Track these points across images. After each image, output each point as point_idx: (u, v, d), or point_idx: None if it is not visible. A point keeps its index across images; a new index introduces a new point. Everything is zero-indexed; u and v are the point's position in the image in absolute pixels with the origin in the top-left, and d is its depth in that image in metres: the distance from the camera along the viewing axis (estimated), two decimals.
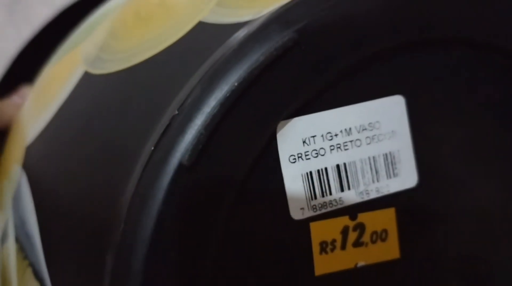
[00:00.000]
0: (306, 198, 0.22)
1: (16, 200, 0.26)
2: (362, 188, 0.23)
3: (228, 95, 0.20)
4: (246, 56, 0.21)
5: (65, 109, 0.26)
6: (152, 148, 0.20)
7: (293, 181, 0.22)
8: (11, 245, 0.26)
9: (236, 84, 0.20)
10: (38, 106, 0.28)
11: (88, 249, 0.22)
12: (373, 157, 0.23)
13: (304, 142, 0.22)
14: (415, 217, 0.24)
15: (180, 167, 0.20)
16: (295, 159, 0.22)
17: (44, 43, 0.45)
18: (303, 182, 0.22)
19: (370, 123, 0.23)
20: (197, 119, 0.20)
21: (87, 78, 0.25)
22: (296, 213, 0.22)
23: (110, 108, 0.24)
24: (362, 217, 0.23)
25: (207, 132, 0.20)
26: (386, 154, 0.23)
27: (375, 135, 0.23)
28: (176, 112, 0.20)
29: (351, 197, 0.23)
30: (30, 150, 0.27)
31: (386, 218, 0.23)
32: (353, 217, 0.23)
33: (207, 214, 0.20)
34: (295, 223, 0.22)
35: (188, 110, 0.20)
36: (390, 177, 0.23)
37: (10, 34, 0.62)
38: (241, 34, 0.21)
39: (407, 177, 0.23)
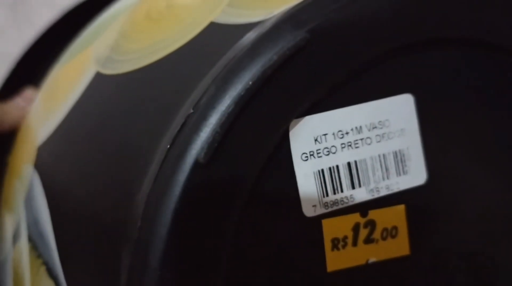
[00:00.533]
0: (318, 196, 0.22)
1: (29, 200, 0.26)
2: (372, 185, 0.23)
3: (242, 93, 0.21)
4: (259, 55, 0.21)
5: (77, 109, 0.26)
6: (168, 146, 0.21)
7: (305, 178, 0.22)
8: (23, 245, 0.26)
9: (250, 83, 0.21)
10: (48, 107, 0.28)
11: (104, 246, 0.22)
12: (383, 155, 0.23)
13: (316, 140, 0.22)
14: (425, 214, 0.24)
15: (196, 164, 0.20)
16: (307, 157, 0.22)
17: (47, 45, 0.45)
18: (315, 179, 0.22)
19: (380, 121, 0.23)
20: (212, 118, 0.20)
21: (99, 79, 0.26)
22: (309, 210, 0.22)
23: (124, 107, 0.24)
24: (373, 214, 0.23)
25: (222, 130, 0.20)
26: (395, 152, 0.23)
27: (385, 133, 0.23)
28: (192, 110, 0.21)
29: (362, 194, 0.23)
30: (42, 151, 0.27)
31: (396, 215, 0.24)
32: (364, 214, 0.23)
33: (222, 210, 0.21)
34: (307, 220, 0.22)
35: (203, 108, 0.21)
36: (400, 175, 0.24)
37: (12, 35, 0.62)
38: (254, 34, 0.22)
39: (416, 174, 0.24)
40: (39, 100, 0.30)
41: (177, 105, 0.22)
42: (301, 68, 0.21)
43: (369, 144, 0.23)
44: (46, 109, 0.28)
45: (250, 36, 0.22)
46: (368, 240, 0.23)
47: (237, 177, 0.21)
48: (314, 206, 0.22)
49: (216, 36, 0.24)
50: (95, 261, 0.23)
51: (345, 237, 0.23)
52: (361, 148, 0.23)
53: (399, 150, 0.23)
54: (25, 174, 0.27)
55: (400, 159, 0.23)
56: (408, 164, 0.24)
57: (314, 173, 0.22)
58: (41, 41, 0.46)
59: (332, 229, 0.23)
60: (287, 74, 0.21)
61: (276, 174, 0.22)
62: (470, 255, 0.25)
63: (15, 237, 0.27)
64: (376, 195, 0.23)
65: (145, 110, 0.23)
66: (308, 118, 0.22)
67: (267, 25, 0.22)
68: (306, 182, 0.22)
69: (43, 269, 0.25)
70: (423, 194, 0.24)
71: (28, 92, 0.40)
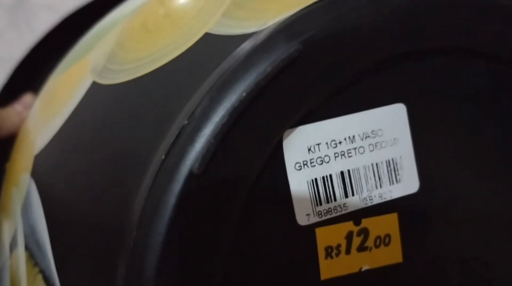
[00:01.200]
0: (312, 204, 0.23)
1: (26, 208, 0.27)
2: (365, 194, 0.23)
3: (236, 105, 0.21)
4: (253, 66, 0.21)
5: (74, 119, 0.26)
6: (163, 156, 0.21)
7: (299, 187, 0.23)
8: (21, 253, 0.27)
9: (244, 94, 0.21)
10: (46, 115, 0.29)
11: (99, 255, 0.23)
12: (376, 164, 0.24)
13: (309, 149, 0.23)
14: (417, 221, 0.24)
15: (191, 175, 0.21)
16: (300, 166, 0.23)
17: (46, 50, 0.46)
18: (308, 188, 0.23)
19: (373, 131, 0.23)
20: (206, 129, 0.21)
21: (96, 88, 0.26)
22: (302, 219, 0.23)
23: (119, 118, 0.24)
24: (366, 222, 0.24)
25: (216, 141, 0.21)
26: (388, 161, 0.24)
27: (377, 142, 0.24)
28: (186, 121, 0.21)
29: (355, 202, 0.23)
30: (39, 159, 0.27)
31: (389, 223, 0.24)
32: (357, 222, 0.23)
33: (216, 220, 0.21)
34: (301, 228, 0.23)
35: (197, 119, 0.21)
36: (393, 183, 0.24)
37: (12, 39, 0.63)
38: (248, 45, 0.22)
39: (409, 183, 0.24)
40: (37, 108, 0.31)
41: (172, 115, 0.22)
42: (294, 78, 0.22)
43: (362, 153, 0.23)
44: (43, 118, 0.29)
45: (245, 47, 0.22)
46: (362, 248, 0.24)
47: (231, 187, 0.21)
48: (308, 214, 0.23)
49: (211, 46, 0.24)
50: (91, 270, 0.23)
51: (339, 245, 0.23)
52: (354, 157, 0.23)
53: (392, 159, 0.24)
54: (22, 183, 0.28)
55: (393, 167, 0.24)
56: (401, 173, 0.24)
57: (307, 182, 0.23)
58: (40, 47, 0.47)
59: (325, 237, 0.23)
60: (281, 85, 0.21)
61: (270, 184, 0.22)
62: (464, 262, 0.25)
63: (12, 244, 0.28)
64: (369, 204, 0.24)
65: (141, 120, 0.23)
66: (301, 128, 0.22)
67: (261, 36, 0.22)
68: (300, 191, 0.23)
69: (39, 277, 0.25)
70: (416, 202, 0.24)
71: (26, 98, 0.40)
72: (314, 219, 0.23)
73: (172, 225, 0.21)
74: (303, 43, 0.22)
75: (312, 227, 0.23)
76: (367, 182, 0.23)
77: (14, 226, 0.28)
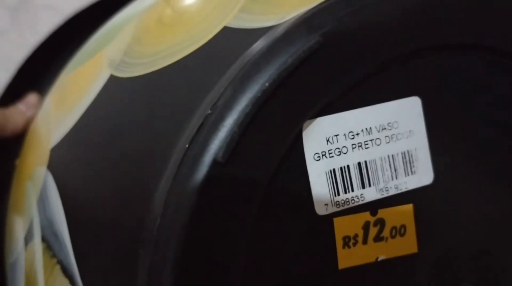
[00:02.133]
0: (330, 195, 0.23)
1: (42, 201, 0.27)
2: (382, 185, 0.24)
3: (259, 95, 0.21)
4: (275, 58, 0.22)
5: (91, 112, 0.26)
6: (187, 145, 0.21)
7: (318, 178, 0.23)
8: (37, 245, 0.27)
9: (266, 84, 0.21)
10: (60, 111, 0.29)
11: (121, 245, 0.23)
12: (392, 156, 0.24)
13: (328, 140, 0.23)
14: (432, 213, 0.25)
15: (215, 163, 0.21)
16: (319, 157, 0.23)
17: (50, 51, 0.46)
18: (327, 179, 0.23)
19: (389, 123, 0.24)
20: (230, 118, 0.21)
21: (113, 81, 0.26)
22: (321, 209, 0.23)
23: (139, 109, 0.24)
24: (382, 213, 0.24)
25: (239, 130, 0.21)
26: (404, 153, 0.24)
27: (393, 134, 0.24)
28: (209, 111, 0.21)
29: (371, 193, 0.24)
30: (55, 152, 0.27)
31: (405, 214, 0.24)
32: (373, 213, 0.24)
33: (239, 208, 0.21)
34: (319, 218, 0.23)
35: (221, 109, 0.21)
36: (408, 175, 0.24)
37: (14, 38, 0.63)
38: (268, 37, 0.22)
39: (424, 174, 0.24)
40: (49, 104, 0.31)
41: (192, 107, 0.22)
42: (315, 70, 0.22)
43: (379, 145, 0.24)
44: (58, 113, 0.29)
45: (265, 39, 0.23)
46: (378, 238, 0.24)
47: (253, 176, 0.21)
48: (326, 204, 0.23)
49: (230, 40, 0.24)
50: (112, 260, 0.23)
51: (356, 235, 0.24)
52: (371, 149, 0.24)
53: (407, 151, 0.24)
54: (37, 176, 0.28)
55: (408, 159, 0.24)
56: (416, 165, 0.24)
57: (326, 172, 0.23)
58: (43, 47, 0.47)
59: (343, 227, 0.23)
60: (301, 76, 0.22)
61: (290, 173, 0.22)
62: (477, 254, 0.26)
63: (27, 238, 0.28)
64: (385, 194, 0.24)
65: (160, 112, 0.24)
66: (320, 119, 0.23)
67: (282, 29, 0.22)
68: (319, 182, 0.23)
69: (57, 268, 0.25)
70: (431, 194, 0.24)
71: (30, 98, 0.40)
72: (332, 209, 0.23)
73: (196, 213, 0.21)
74: (323, 36, 0.22)
75: (330, 217, 0.23)
76: (383, 173, 0.24)
77: (29, 219, 0.28)
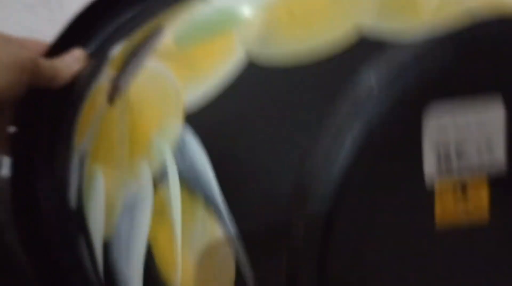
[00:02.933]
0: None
1: (179, 149, 0.32)
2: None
3: None
4: None
5: (231, 93, 0.32)
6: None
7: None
8: (172, 185, 0.32)
9: None
10: (189, 80, 0.34)
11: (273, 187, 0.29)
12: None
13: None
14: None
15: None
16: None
17: (99, 10, 0.49)
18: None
19: None
20: None
21: (254, 69, 0.32)
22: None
23: (284, 100, 0.31)
24: None
25: None
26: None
27: None
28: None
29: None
30: (196, 115, 0.33)
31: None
32: None
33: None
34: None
35: None
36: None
37: (43, 14, 0.66)
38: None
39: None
40: (166, 67, 0.36)
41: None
42: None
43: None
44: (186, 81, 0.34)
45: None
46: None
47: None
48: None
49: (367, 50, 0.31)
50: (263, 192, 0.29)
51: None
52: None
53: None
54: (171, 129, 0.33)
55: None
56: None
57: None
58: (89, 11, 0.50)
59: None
60: None
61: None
62: None
63: (157, 180, 0.33)
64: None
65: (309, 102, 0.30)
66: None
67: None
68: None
69: (199, 201, 0.31)
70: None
71: (77, 52, 0.45)
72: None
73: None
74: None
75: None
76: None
77: (159, 164, 0.33)
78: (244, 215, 0.30)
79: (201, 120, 0.33)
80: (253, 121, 0.31)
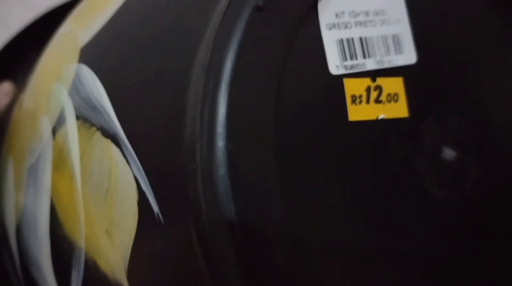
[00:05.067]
0: (339, 59, 0.28)
1: (75, 86, 0.30)
2: (378, 58, 0.29)
3: None
4: None
5: (124, 9, 0.30)
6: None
7: (330, 44, 0.28)
8: (70, 125, 0.29)
9: None
10: (83, 22, 0.32)
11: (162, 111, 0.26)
12: (385, 36, 0.29)
13: (336, 15, 0.28)
14: (419, 86, 0.30)
15: (256, 8, 0.25)
16: (330, 27, 0.28)
17: (25, 43, 0.48)
18: (336, 46, 0.28)
19: (381, 10, 0.29)
20: None
21: None
22: (333, 69, 0.28)
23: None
24: (380, 81, 0.29)
25: None
26: (393, 35, 0.30)
27: (385, 19, 0.29)
28: None
29: (371, 63, 0.29)
30: (86, 49, 0.30)
31: (397, 84, 0.29)
32: (373, 80, 0.29)
33: (275, 51, 0.26)
34: (332, 77, 0.28)
35: None
36: (397, 53, 0.30)
37: None
38: None
39: (409, 54, 0.30)
40: (76, 12, 0.34)
41: None
42: None
43: (374, 26, 0.29)
44: (80, 24, 0.32)
45: None
46: (377, 101, 0.29)
47: (287, 23, 0.26)
48: (337, 66, 0.28)
49: None
50: (158, 113, 0.26)
51: (360, 95, 0.28)
52: (369, 28, 0.29)
53: (396, 34, 0.30)
54: (67, 72, 0.30)
55: (396, 41, 0.30)
56: (403, 46, 0.30)
57: (336, 41, 0.28)
58: (17, 40, 0.49)
59: (351, 87, 0.28)
60: None
61: (310, 34, 0.27)
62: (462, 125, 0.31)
63: (56, 127, 0.30)
64: (381, 66, 0.29)
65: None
66: None
67: None
68: (331, 47, 0.28)
69: (97, 134, 0.28)
70: (417, 71, 0.30)
71: (5, 86, 0.42)
72: (341, 71, 0.28)
73: (238, 60, 0.25)
74: None
75: (340, 78, 0.28)
76: (379, 49, 0.29)
77: (57, 111, 0.30)
78: (144, 147, 0.26)
79: (91, 50, 0.30)
80: (144, 37, 0.28)
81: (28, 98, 0.34)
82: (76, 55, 0.31)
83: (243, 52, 0.25)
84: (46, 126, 0.31)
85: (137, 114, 0.27)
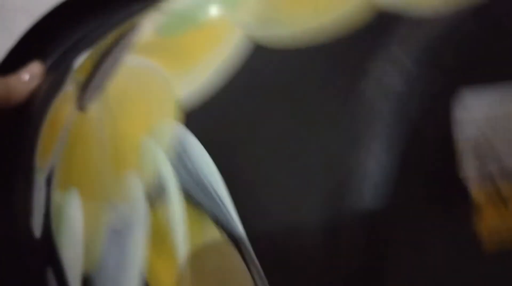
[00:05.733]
0: None
1: (180, 159, 0.26)
2: None
3: None
4: None
5: (238, 81, 0.27)
6: None
7: None
8: (173, 198, 0.26)
9: None
10: (177, 69, 0.29)
11: None
12: None
13: None
14: None
15: None
16: None
17: (56, 22, 0.44)
18: None
19: None
20: None
21: (260, 51, 0.27)
22: None
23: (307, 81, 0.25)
24: None
25: None
26: None
27: None
28: None
29: None
30: (196, 114, 0.27)
31: None
32: None
33: None
34: None
35: None
36: None
37: None
38: None
39: None
40: (150, 61, 0.30)
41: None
42: None
43: None
44: (176, 69, 0.29)
45: None
46: None
47: None
48: None
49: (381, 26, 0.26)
50: None
51: None
52: None
53: None
54: (163, 131, 0.27)
55: None
56: None
57: None
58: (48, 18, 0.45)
59: None
60: None
61: None
62: None
63: (153, 196, 0.27)
64: None
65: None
66: None
67: None
68: None
69: (209, 225, 0.25)
70: None
71: (34, 67, 0.39)
72: None
73: None
74: None
75: None
76: None
77: (151, 176, 0.27)
78: (262, 239, 0.24)
79: (202, 117, 0.27)
80: (265, 115, 0.26)
81: (98, 120, 0.31)
82: (174, 111, 0.28)
83: None
84: (136, 187, 0.28)
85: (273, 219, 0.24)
